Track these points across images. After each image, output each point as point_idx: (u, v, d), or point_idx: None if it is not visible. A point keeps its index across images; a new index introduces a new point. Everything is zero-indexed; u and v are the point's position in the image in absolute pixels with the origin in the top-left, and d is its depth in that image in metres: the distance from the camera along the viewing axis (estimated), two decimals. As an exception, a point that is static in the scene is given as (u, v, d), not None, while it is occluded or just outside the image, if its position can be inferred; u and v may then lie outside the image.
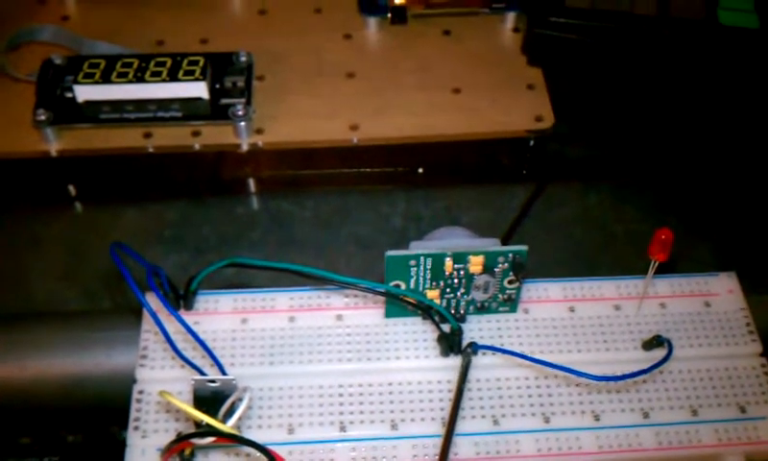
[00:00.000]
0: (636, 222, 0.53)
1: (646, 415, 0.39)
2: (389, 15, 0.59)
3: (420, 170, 0.55)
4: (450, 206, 0.54)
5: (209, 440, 0.34)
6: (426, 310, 0.40)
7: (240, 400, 0.35)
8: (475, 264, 0.39)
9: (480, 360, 0.40)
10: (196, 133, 0.52)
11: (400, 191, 0.54)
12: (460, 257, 0.39)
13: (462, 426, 0.38)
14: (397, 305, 0.41)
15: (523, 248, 0.39)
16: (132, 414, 0.38)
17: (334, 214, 0.53)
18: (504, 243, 0.40)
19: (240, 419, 0.35)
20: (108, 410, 0.43)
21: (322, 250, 0.51)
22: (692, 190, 0.55)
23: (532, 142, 0.54)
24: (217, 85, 0.53)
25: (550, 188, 0.54)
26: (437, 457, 0.37)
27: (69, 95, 0.52)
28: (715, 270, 0.44)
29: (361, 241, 0.52)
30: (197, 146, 0.52)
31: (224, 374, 0.38)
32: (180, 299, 0.41)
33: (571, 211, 0.54)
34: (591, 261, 0.52)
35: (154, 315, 0.37)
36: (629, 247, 0.52)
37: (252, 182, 0.55)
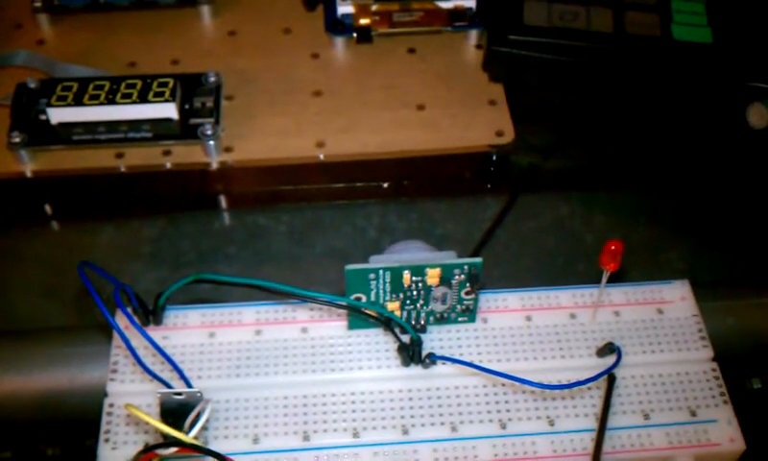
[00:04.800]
0: (606, 231, 0.54)
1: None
2: (354, 35, 0.60)
3: (386, 184, 0.55)
4: (423, 218, 0.54)
5: (172, 450, 0.35)
6: (386, 322, 0.41)
7: (203, 411, 0.36)
8: (432, 276, 0.40)
9: (439, 369, 0.41)
10: (166, 153, 0.53)
11: (375, 205, 0.55)
12: (418, 270, 0.40)
13: (421, 433, 0.39)
14: (359, 318, 0.42)
15: (478, 260, 0.40)
16: (103, 426, 0.39)
17: (310, 228, 0.54)
18: (476, 254, 0.41)
19: (202, 429, 0.36)
20: (84, 424, 0.44)
21: (298, 263, 0.52)
22: (660, 199, 0.56)
23: (494, 157, 0.55)
24: (186, 106, 0.54)
25: (522, 199, 0.55)
26: (396, 464, 0.38)
27: (43, 117, 0.53)
28: (684, 277, 0.45)
29: (336, 254, 0.52)
30: (168, 165, 0.53)
31: (189, 386, 0.39)
32: (150, 314, 0.42)
33: (543, 222, 0.55)
34: (563, 270, 0.52)
35: (121, 333, 0.38)
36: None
37: (228, 199, 0.56)
